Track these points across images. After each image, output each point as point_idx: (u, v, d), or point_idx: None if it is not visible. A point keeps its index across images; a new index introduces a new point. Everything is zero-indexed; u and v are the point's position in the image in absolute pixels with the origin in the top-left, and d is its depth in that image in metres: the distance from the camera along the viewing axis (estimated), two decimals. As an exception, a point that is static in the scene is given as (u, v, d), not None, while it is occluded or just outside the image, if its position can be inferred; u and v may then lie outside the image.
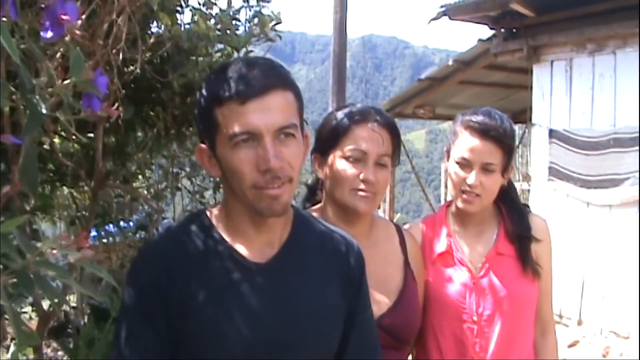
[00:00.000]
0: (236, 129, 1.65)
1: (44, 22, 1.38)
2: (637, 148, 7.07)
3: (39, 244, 1.25)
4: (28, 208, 2.56)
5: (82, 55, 1.42)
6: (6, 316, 1.39)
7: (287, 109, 1.70)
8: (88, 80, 1.40)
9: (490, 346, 2.55)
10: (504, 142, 2.54)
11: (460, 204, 2.59)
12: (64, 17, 1.36)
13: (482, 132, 2.52)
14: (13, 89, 1.53)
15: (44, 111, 1.34)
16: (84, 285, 2.67)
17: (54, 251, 1.25)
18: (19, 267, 1.20)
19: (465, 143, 2.54)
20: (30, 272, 1.21)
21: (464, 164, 2.54)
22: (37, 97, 1.34)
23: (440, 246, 2.65)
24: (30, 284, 1.21)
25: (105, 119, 2.40)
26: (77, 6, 1.42)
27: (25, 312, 3.58)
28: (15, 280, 1.22)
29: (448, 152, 2.67)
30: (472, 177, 2.52)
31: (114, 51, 2.22)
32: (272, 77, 1.69)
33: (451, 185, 2.62)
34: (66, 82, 1.38)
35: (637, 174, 7.06)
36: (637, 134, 7.10)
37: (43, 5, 1.40)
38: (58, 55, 1.63)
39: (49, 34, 1.37)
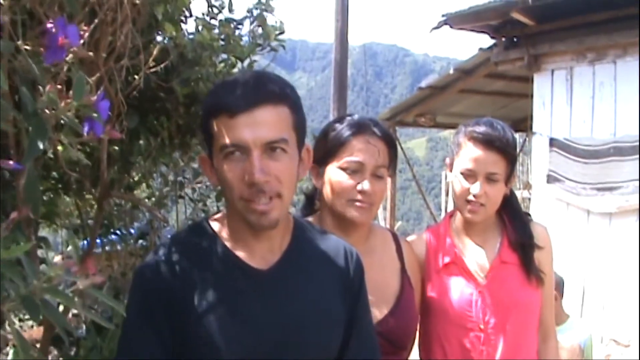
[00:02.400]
0: (226, 141, 1.69)
1: (45, 46, 1.39)
2: (637, 157, 7.08)
3: (44, 267, 1.26)
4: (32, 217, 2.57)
5: (85, 77, 1.42)
6: (7, 326, 1.40)
7: (278, 124, 1.72)
8: (90, 105, 1.40)
9: (496, 354, 2.57)
10: (508, 152, 2.57)
11: (465, 215, 2.61)
12: (65, 41, 1.37)
13: (486, 142, 2.55)
14: (16, 110, 1.54)
15: (46, 137, 1.34)
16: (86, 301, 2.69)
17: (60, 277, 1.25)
18: (25, 293, 1.21)
19: (470, 154, 2.57)
20: (36, 298, 1.22)
21: (469, 175, 2.57)
22: (38, 122, 1.34)
23: (446, 256, 2.67)
24: (37, 309, 1.22)
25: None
26: (79, 25, 1.44)
27: (28, 320, 3.59)
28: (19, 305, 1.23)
29: (451, 163, 2.69)
30: (476, 187, 2.54)
31: (117, 64, 2.23)
32: (263, 92, 1.72)
33: (455, 196, 2.65)
34: (68, 105, 1.38)
35: (638, 182, 7.06)
36: (638, 143, 7.10)
37: (45, 29, 1.40)
38: (61, 74, 1.65)
39: (51, 58, 1.38)
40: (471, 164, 2.57)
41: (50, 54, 1.38)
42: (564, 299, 4.62)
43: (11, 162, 1.45)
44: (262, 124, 1.69)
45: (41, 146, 1.31)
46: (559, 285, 4.53)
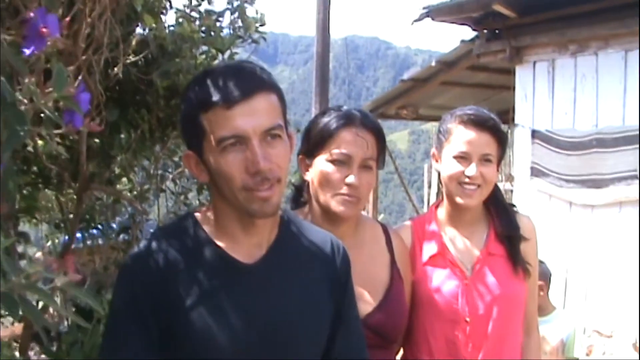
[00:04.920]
0: (224, 133, 1.67)
1: (25, 36, 1.37)
2: (620, 148, 7.11)
3: (24, 264, 1.24)
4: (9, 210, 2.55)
5: (65, 69, 1.40)
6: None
7: (272, 111, 1.73)
8: (70, 97, 1.38)
9: (482, 347, 2.56)
10: (499, 132, 2.60)
11: (459, 199, 2.61)
12: (44, 30, 1.35)
13: (478, 123, 2.56)
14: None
15: (25, 128, 1.32)
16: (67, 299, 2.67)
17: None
18: (3, 289, 1.19)
19: (462, 137, 2.58)
20: (15, 295, 1.20)
21: (463, 157, 2.57)
22: (17, 113, 1.32)
23: (431, 247, 2.66)
24: (15, 306, 1.20)
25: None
26: (57, 14, 1.41)
27: (7, 316, 3.56)
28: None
29: (439, 152, 2.68)
30: (472, 169, 2.55)
31: (96, 55, 2.21)
32: (256, 81, 1.72)
33: (447, 182, 2.63)
34: (48, 96, 1.36)
35: (620, 174, 7.09)
36: (620, 135, 7.14)
37: (24, 19, 1.38)
38: (39, 65, 1.62)
39: (30, 48, 1.36)
40: (465, 147, 2.57)
41: (30, 43, 1.35)
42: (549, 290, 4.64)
43: None
44: (259, 112, 1.69)
45: (21, 133, 1.29)
46: (546, 276, 4.54)
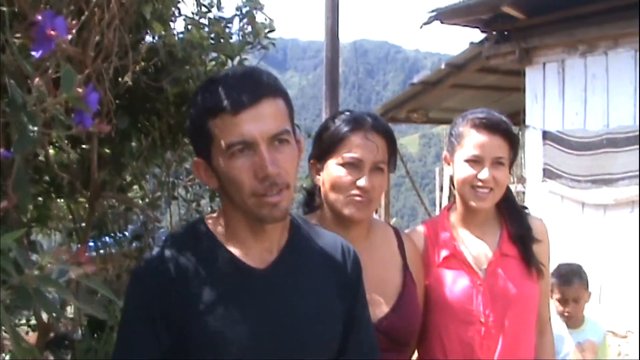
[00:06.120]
0: (231, 139, 1.67)
1: (33, 39, 1.37)
2: (630, 148, 7.09)
3: (37, 257, 1.24)
4: (25, 220, 2.56)
5: (73, 71, 1.41)
6: (4, 329, 1.38)
7: (279, 116, 1.73)
8: (79, 97, 1.38)
9: (497, 348, 2.56)
10: (511, 135, 2.60)
11: (472, 203, 2.61)
12: (52, 32, 1.35)
13: (490, 127, 2.57)
14: (5, 104, 1.52)
15: (35, 128, 1.33)
16: (81, 298, 2.67)
17: (53, 265, 1.23)
18: (17, 282, 1.19)
19: (474, 140, 2.58)
20: (29, 288, 1.20)
21: (475, 161, 2.57)
22: (28, 113, 1.33)
23: (445, 250, 2.66)
24: (29, 299, 1.20)
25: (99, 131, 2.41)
26: (66, 21, 1.42)
27: (22, 325, 3.57)
28: (12, 295, 1.21)
29: (451, 156, 2.68)
30: (485, 173, 2.55)
31: (105, 63, 2.22)
32: (262, 86, 1.72)
33: (459, 185, 2.63)
34: (57, 98, 1.37)
35: (631, 173, 7.06)
36: (631, 134, 7.11)
37: (32, 22, 1.39)
38: (50, 71, 1.63)
39: (39, 51, 1.36)
40: (477, 150, 2.57)
41: (38, 45, 1.36)
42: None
43: (1, 150, 1.43)
44: (266, 117, 1.69)
45: (32, 135, 1.30)
46: (587, 283, 4.51)
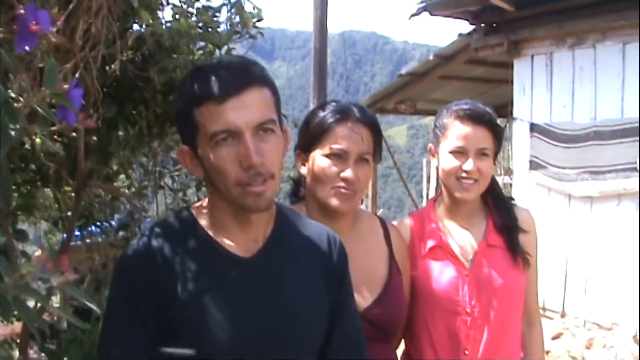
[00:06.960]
0: (216, 127, 1.67)
1: (16, 33, 1.35)
2: (618, 141, 7.12)
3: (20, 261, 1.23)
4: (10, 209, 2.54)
5: (57, 66, 1.38)
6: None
7: (265, 105, 1.73)
8: (62, 93, 1.36)
9: (483, 337, 2.57)
10: (495, 127, 2.62)
11: (457, 194, 2.62)
12: (35, 27, 1.33)
13: (474, 118, 2.58)
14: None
15: (17, 126, 1.31)
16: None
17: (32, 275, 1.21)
18: None
19: (458, 132, 2.59)
20: (8, 297, 1.18)
21: (459, 152, 2.58)
22: (8, 110, 1.30)
23: (431, 240, 2.68)
24: (9, 308, 1.18)
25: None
26: (53, 10, 1.40)
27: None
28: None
29: (435, 147, 2.69)
30: (469, 164, 2.56)
31: (93, 52, 2.20)
32: (248, 75, 1.72)
33: (444, 177, 2.65)
34: (40, 94, 1.35)
35: (618, 166, 7.09)
36: (618, 127, 7.14)
37: (15, 15, 1.36)
38: (35, 61, 1.61)
39: (22, 46, 1.34)
40: (461, 142, 2.58)
41: (21, 40, 1.33)
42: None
43: None
44: (251, 106, 1.69)
45: (13, 133, 1.27)
46: None
